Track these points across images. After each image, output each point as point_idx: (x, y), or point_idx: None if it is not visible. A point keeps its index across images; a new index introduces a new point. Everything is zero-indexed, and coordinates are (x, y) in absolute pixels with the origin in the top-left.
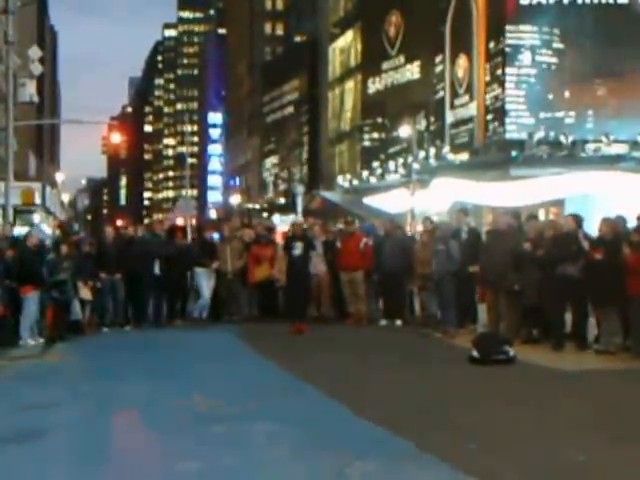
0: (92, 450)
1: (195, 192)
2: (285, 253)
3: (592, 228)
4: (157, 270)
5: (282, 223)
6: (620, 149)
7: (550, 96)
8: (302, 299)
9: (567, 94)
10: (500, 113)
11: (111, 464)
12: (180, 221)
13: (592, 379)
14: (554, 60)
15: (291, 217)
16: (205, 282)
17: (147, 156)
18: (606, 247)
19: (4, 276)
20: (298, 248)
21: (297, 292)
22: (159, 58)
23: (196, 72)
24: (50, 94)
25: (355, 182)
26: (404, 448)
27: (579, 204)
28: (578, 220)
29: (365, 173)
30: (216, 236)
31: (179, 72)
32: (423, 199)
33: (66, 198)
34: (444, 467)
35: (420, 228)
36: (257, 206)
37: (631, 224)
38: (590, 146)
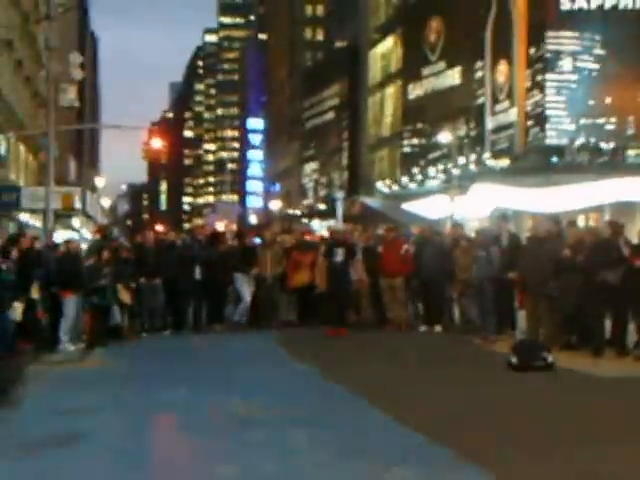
0: (130, 455)
1: (235, 197)
2: (325, 259)
3: (632, 235)
4: (198, 275)
5: (321, 229)
6: None
7: (591, 102)
8: (343, 306)
9: (608, 100)
10: (540, 119)
11: (150, 469)
12: (220, 226)
13: (631, 386)
14: (595, 66)
15: (331, 223)
16: (243, 287)
17: (187, 161)
18: None
19: (46, 281)
20: (339, 255)
21: (338, 299)
22: (200, 63)
23: (236, 77)
24: (90, 99)
25: (395, 188)
26: (443, 455)
27: (619, 211)
28: (618, 227)
29: (405, 179)
30: (257, 241)
31: (220, 77)
32: (463, 205)
33: (106, 203)
34: (483, 475)
35: (450, 233)
36: (297, 212)
37: None
38: (631, 152)
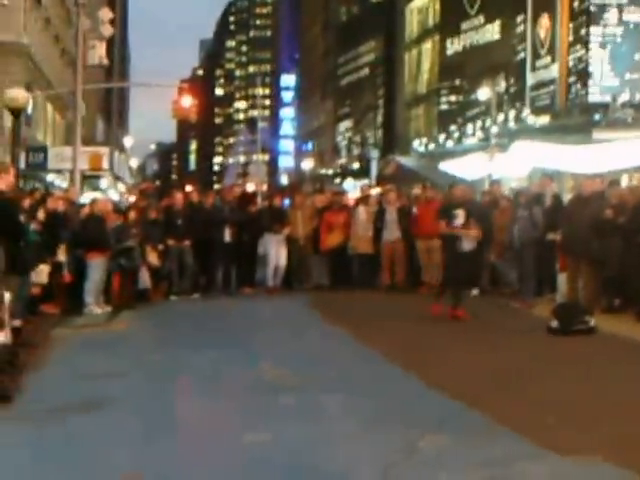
0: (158, 420)
1: (266, 157)
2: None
3: None
4: (227, 237)
5: (355, 188)
6: None
7: (637, 56)
8: (463, 280)
9: None
10: (583, 75)
11: (178, 434)
12: (251, 187)
13: None
14: None
15: (365, 182)
16: (274, 249)
17: (218, 120)
18: None
19: (71, 243)
20: (460, 217)
21: (457, 270)
22: (231, 19)
23: (269, 34)
24: (120, 57)
25: (431, 146)
26: (479, 421)
27: None
28: None
29: (442, 137)
30: (287, 202)
31: (251, 34)
32: (502, 164)
33: (135, 163)
34: (520, 441)
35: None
36: (330, 171)
37: None
38: None
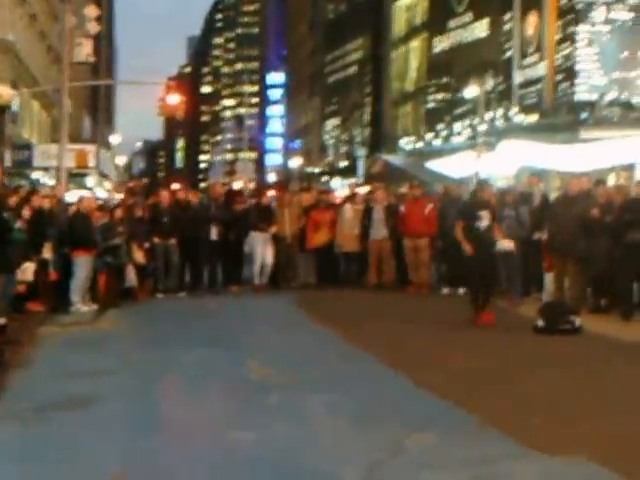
0: (143, 418)
1: (254, 155)
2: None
3: None
4: (214, 235)
5: (343, 187)
6: None
7: (624, 55)
8: (490, 286)
9: None
10: (571, 73)
11: (164, 432)
12: (238, 185)
13: None
14: (630, 16)
15: (352, 181)
16: (260, 247)
17: (205, 118)
18: None
19: (57, 241)
20: (484, 219)
21: (484, 277)
22: (218, 16)
23: (256, 31)
24: (106, 54)
25: (419, 145)
26: (465, 421)
27: None
28: None
29: (429, 135)
30: (274, 200)
31: (239, 31)
32: (489, 163)
33: (122, 161)
34: (506, 440)
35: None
36: (317, 169)
37: None
38: None
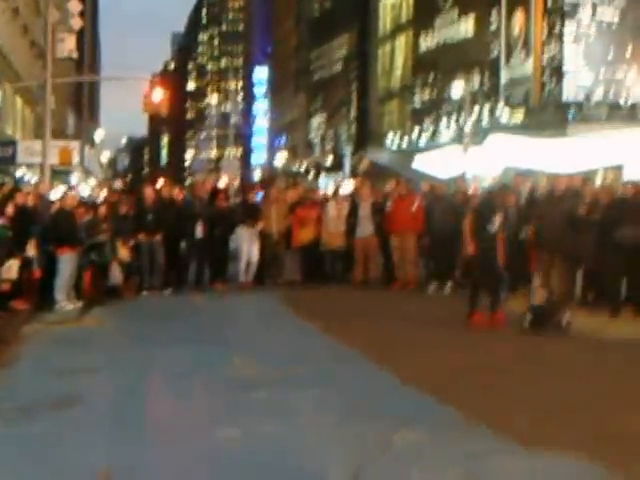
0: (129, 417)
1: (239, 152)
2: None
3: None
4: (199, 233)
5: (329, 184)
6: None
7: (610, 54)
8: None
9: (628, 53)
10: (557, 72)
11: (149, 431)
12: (223, 182)
13: None
14: (616, 16)
15: (338, 178)
16: (246, 244)
17: (190, 114)
18: None
19: (41, 238)
20: (495, 223)
21: (489, 283)
22: (203, 13)
23: (241, 27)
24: (90, 50)
25: (405, 142)
26: (451, 416)
27: (638, 168)
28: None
29: (415, 133)
30: (260, 197)
31: (224, 27)
32: (476, 161)
33: (106, 157)
34: (494, 436)
35: (460, 187)
36: (303, 166)
37: None
38: None
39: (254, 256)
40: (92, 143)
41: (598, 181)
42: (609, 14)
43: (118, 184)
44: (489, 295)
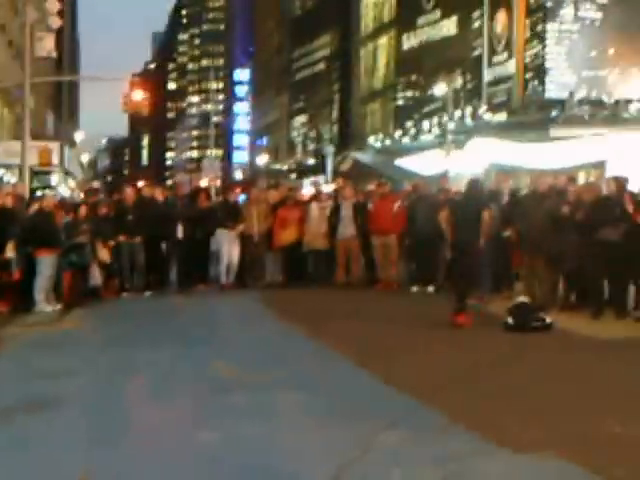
0: (108, 420)
1: (220, 152)
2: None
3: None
4: (180, 234)
5: (311, 185)
6: None
7: (593, 53)
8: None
9: (611, 51)
10: (540, 71)
11: (129, 433)
12: (204, 183)
13: (630, 348)
14: (598, 15)
15: (320, 178)
16: (227, 245)
17: (170, 114)
18: None
19: (20, 240)
20: None
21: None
22: (183, 12)
23: (222, 27)
24: (69, 49)
25: (387, 142)
26: (435, 418)
27: (621, 166)
28: (622, 182)
29: (398, 133)
30: (242, 198)
31: (204, 27)
32: (458, 161)
33: (86, 158)
34: (475, 438)
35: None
36: (285, 167)
37: None
38: (634, 106)
39: (235, 257)
40: (72, 144)
41: (581, 179)
42: (591, 12)
43: (96, 184)
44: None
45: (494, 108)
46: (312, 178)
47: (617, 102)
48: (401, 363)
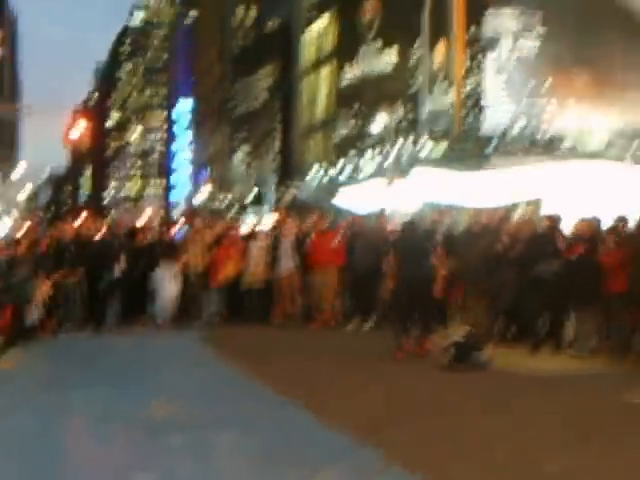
0: (43, 463)
1: (162, 184)
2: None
3: (569, 226)
4: (118, 271)
5: (253, 217)
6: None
7: (531, 84)
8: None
9: (549, 82)
10: (478, 104)
11: (63, 476)
12: (144, 219)
13: (564, 383)
14: (536, 45)
15: (251, 219)
16: (165, 283)
17: (113, 144)
18: (584, 246)
19: None
20: None
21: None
22: (127, 41)
23: (165, 57)
24: (9, 79)
25: (328, 176)
26: (371, 458)
27: (557, 201)
28: (555, 220)
29: (338, 166)
30: (179, 236)
31: (147, 56)
32: (397, 196)
33: (29, 189)
34: (411, 477)
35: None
36: (226, 200)
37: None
38: (567, 144)
39: (173, 294)
40: (9, 182)
41: (517, 215)
42: (529, 45)
43: (34, 219)
44: (421, 324)
45: (435, 138)
46: (247, 210)
47: (552, 137)
48: (338, 401)
